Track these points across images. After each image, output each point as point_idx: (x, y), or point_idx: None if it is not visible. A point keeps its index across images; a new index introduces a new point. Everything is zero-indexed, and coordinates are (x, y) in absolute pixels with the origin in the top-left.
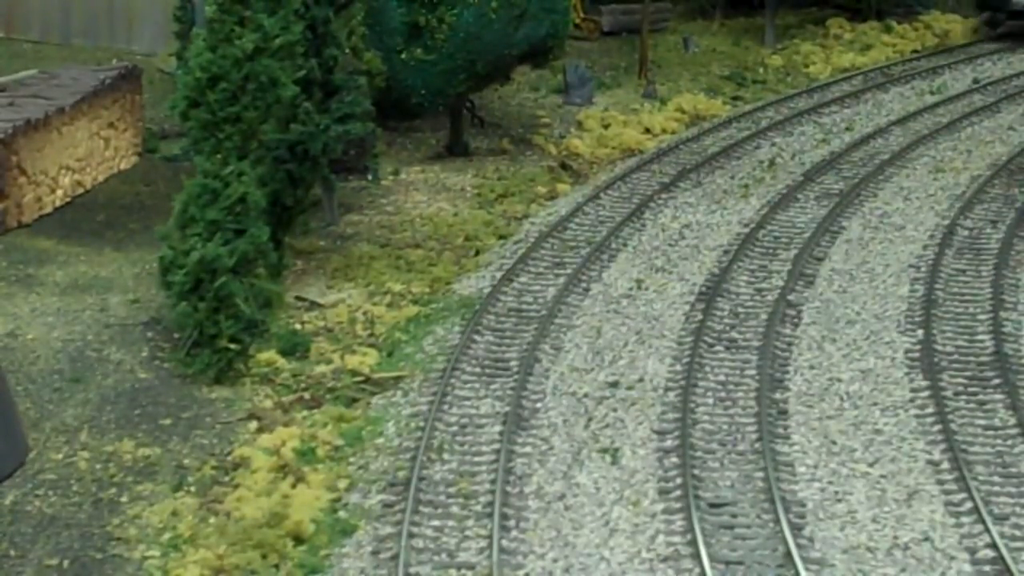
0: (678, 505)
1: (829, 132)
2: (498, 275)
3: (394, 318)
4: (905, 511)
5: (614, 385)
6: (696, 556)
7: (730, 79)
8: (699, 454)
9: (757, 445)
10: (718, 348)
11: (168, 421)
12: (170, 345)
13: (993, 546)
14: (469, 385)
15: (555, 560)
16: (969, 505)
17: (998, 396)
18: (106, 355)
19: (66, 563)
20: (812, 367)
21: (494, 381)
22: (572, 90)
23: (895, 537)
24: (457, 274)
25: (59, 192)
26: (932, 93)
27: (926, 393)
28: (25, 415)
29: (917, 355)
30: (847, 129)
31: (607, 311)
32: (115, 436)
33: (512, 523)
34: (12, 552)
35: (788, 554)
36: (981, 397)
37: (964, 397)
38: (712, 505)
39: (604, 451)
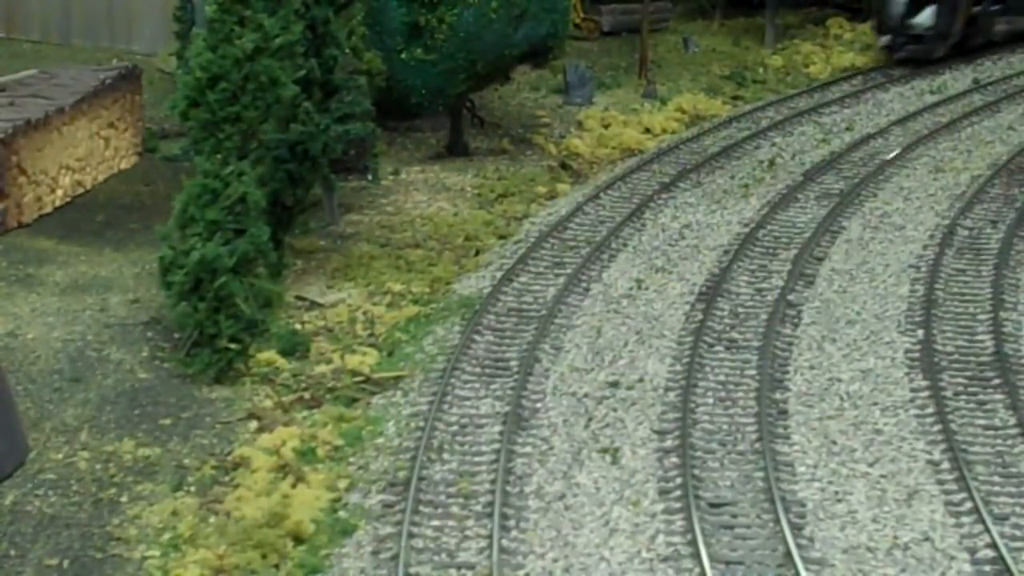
0: (678, 505)
1: (829, 132)
2: (498, 275)
3: (394, 318)
4: (905, 511)
5: (614, 385)
6: (696, 556)
7: (730, 79)
8: (699, 454)
9: (757, 445)
10: (718, 348)
11: (168, 421)
12: (170, 345)
13: (993, 546)
14: (469, 385)
15: (555, 560)
16: (969, 505)
17: (998, 396)
18: (106, 355)
19: (66, 563)
20: (812, 367)
21: (494, 381)
22: (572, 90)
23: (895, 537)
24: (457, 274)
25: (59, 192)
26: (932, 93)
27: (926, 393)
28: (25, 415)
29: (917, 355)
30: (847, 129)
31: (607, 311)
32: (115, 436)
33: (512, 523)
34: (12, 552)
35: (788, 554)
36: (981, 397)
37: (964, 397)
38: (712, 505)
39: (604, 451)
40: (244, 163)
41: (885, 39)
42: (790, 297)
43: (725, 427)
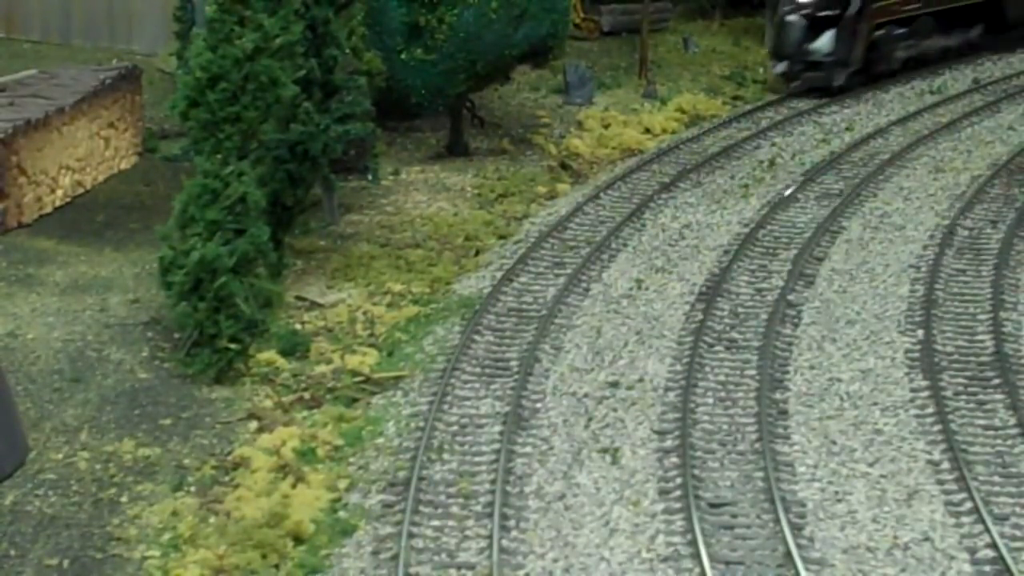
0: (678, 505)
1: (829, 132)
2: (498, 275)
3: (394, 318)
4: (905, 511)
5: (614, 385)
6: (696, 556)
7: (730, 79)
8: (699, 454)
9: (757, 445)
10: (718, 348)
11: (168, 421)
12: (170, 345)
13: (993, 546)
14: (469, 385)
15: (555, 560)
16: (969, 505)
17: (998, 396)
18: (106, 355)
19: (66, 563)
20: (812, 367)
21: (494, 381)
22: (572, 90)
23: (895, 537)
24: (457, 274)
25: (59, 192)
26: (932, 93)
27: (926, 393)
28: (25, 415)
29: (917, 355)
30: (847, 129)
31: (607, 311)
32: (115, 436)
33: (512, 523)
34: (12, 552)
35: (788, 554)
36: (981, 397)
37: (964, 397)
38: (712, 505)
39: (604, 451)
40: (244, 163)
41: (781, 66)
42: (790, 297)
43: (725, 427)
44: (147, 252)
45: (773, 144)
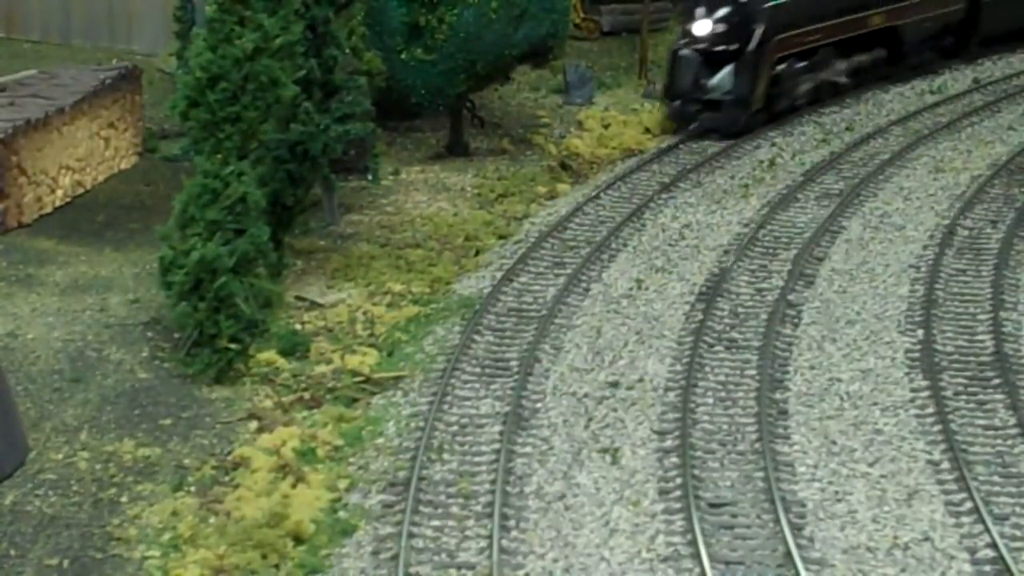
0: (678, 505)
1: (829, 132)
2: (498, 275)
3: (394, 318)
4: (905, 511)
5: (614, 385)
6: (696, 556)
7: None
8: (699, 454)
9: (757, 445)
10: (718, 348)
11: (168, 421)
12: (170, 345)
13: (993, 546)
14: (469, 385)
15: (555, 560)
16: (969, 505)
17: (998, 396)
18: (106, 355)
19: (66, 563)
20: (812, 367)
21: (494, 381)
22: (572, 90)
23: (895, 537)
24: (457, 274)
25: (59, 192)
26: (932, 93)
27: (926, 393)
28: (25, 415)
29: (917, 355)
30: (847, 129)
31: (607, 311)
32: (115, 436)
33: (512, 523)
34: (12, 552)
35: (788, 554)
36: (981, 397)
37: (964, 397)
38: (712, 505)
39: (604, 451)
40: (244, 163)
41: (675, 105)
42: (790, 297)
43: (725, 427)
44: (147, 252)
45: (773, 144)
